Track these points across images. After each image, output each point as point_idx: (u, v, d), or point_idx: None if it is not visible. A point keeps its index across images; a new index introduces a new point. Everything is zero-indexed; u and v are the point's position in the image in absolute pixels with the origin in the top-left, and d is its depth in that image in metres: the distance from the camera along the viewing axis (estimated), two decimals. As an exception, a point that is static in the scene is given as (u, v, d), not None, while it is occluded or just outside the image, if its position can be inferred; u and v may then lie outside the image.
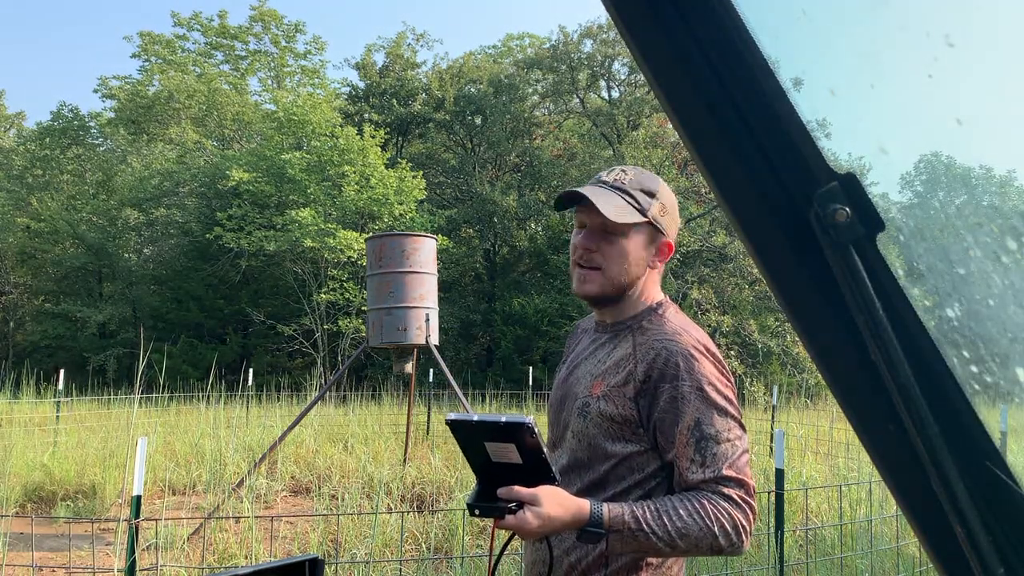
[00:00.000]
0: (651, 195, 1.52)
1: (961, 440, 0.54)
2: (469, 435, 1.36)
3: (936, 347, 0.55)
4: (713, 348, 1.47)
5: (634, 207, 1.49)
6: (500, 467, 1.36)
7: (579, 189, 1.49)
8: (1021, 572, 0.53)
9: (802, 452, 8.59)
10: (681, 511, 1.32)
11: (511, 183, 23.16)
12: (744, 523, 1.32)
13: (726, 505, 1.32)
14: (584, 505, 1.34)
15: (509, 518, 1.32)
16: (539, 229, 23.58)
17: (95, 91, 29.63)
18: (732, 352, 17.57)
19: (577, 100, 24.78)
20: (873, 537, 4.89)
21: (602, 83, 24.59)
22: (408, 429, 8.51)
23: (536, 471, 1.34)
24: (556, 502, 1.32)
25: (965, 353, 0.57)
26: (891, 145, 0.59)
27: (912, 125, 0.62)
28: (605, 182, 1.52)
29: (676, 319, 1.52)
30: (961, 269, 0.61)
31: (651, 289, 1.58)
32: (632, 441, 1.44)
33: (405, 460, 8.20)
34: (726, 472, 1.34)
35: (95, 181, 25.40)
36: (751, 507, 1.35)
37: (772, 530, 4.05)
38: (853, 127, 0.62)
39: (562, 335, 18.59)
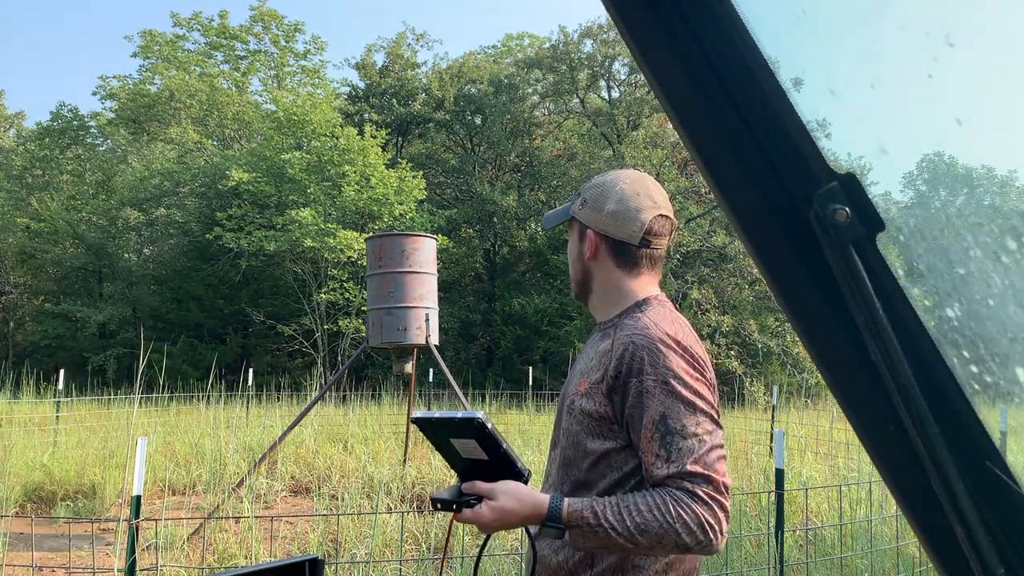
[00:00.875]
0: (579, 195, 1.61)
1: (961, 440, 0.54)
2: (435, 433, 1.39)
3: (936, 347, 0.55)
4: (687, 341, 1.43)
5: (563, 211, 1.63)
6: (471, 463, 1.39)
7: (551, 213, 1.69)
8: (1021, 572, 0.53)
9: (802, 452, 8.59)
10: (642, 507, 1.29)
11: (511, 183, 23.17)
12: (710, 520, 1.28)
13: (689, 502, 1.28)
14: (543, 500, 1.34)
15: (466, 512, 1.34)
16: (539, 229, 23.56)
17: (94, 93, 29.72)
18: (732, 352, 17.57)
19: (577, 100, 24.78)
20: (873, 537, 4.89)
21: (602, 83, 24.59)
22: (408, 429, 8.50)
23: (501, 466, 1.36)
24: (513, 496, 1.34)
25: (965, 353, 0.57)
26: (891, 145, 0.59)
27: (912, 125, 0.62)
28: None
29: (653, 314, 1.48)
30: (961, 269, 0.61)
31: (635, 286, 1.56)
32: (609, 438, 1.43)
33: (405, 460, 8.20)
34: (690, 467, 1.30)
35: (95, 181, 25.41)
36: (720, 504, 1.30)
37: (772, 530, 4.05)
38: (853, 127, 0.61)
39: (562, 335, 18.60)
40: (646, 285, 1.57)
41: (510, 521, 1.34)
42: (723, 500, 1.30)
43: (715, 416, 1.39)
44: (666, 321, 1.47)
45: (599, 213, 1.55)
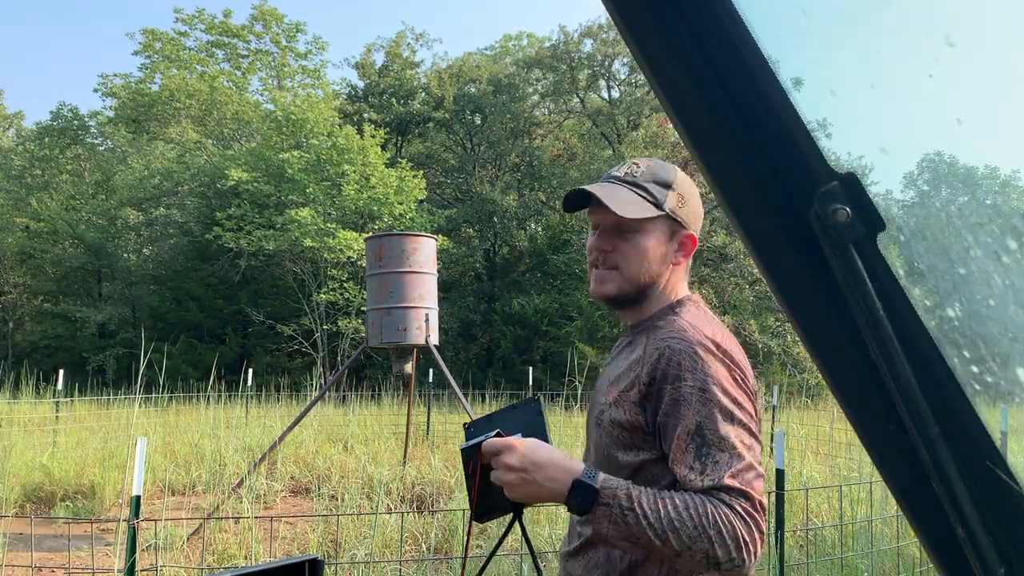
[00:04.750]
0: (667, 186, 1.41)
1: (961, 440, 0.54)
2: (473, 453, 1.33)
3: (936, 347, 0.55)
4: (727, 345, 1.32)
5: (648, 200, 1.39)
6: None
7: (588, 187, 1.38)
8: (1021, 572, 0.53)
9: (802, 452, 8.59)
10: (679, 504, 1.18)
11: (511, 183, 23.17)
12: (747, 538, 1.17)
13: (728, 513, 1.17)
14: (577, 463, 1.26)
15: (496, 440, 1.28)
16: (539, 229, 23.59)
17: (95, 90, 29.71)
18: (732, 352, 17.54)
19: (577, 100, 24.79)
20: (873, 537, 4.89)
21: (602, 83, 24.61)
22: (408, 429, 8.51)
23: None
24: (548, 449, 1.27)
25: (965, 353, 0.57)
26: (891, 145, 0.59)
27: (912, 125, 0.62)
28: (616, 177, 1.42)
29: (690, 316, 1.37)
30: (962, 269, 0.61)
31: (675, 287, 1.47)
32: (643, 449, 1.33)
33: (405, 460, 8.20)
34: (727, 481, 1.19)
35: (94, 181, 25.41)
36: (757, 524, 1.18)
37: (772, 530, 4.05)
38: (853, 127, 0.62)
39: (562, 335, 18.60)
40: (680, 284, 1.49)
41: (547, 460, 1.25)
42: (760, 520, 1.19)
43: (754, 429, 1.28)
44: (706, 323, 1.36)
45: (695, 215, 1.45)
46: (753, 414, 1.29)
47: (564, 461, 1.26)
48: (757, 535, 1.19)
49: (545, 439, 1.31)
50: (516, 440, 1.28)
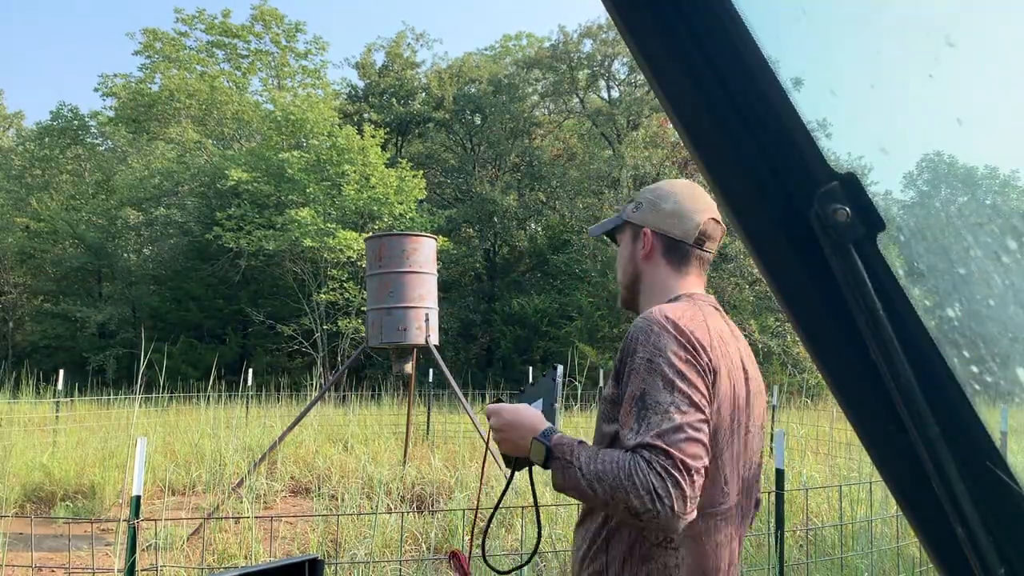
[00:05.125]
0: (631, 201, 1.69)
1: (961, 440, 0.54)
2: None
3: (936, 347, 0.55)
4: (688, 325, 1.42)
5: (613, 219, 1.70)
6: None
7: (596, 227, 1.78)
8: (1021, 572, 0.53)
9: (802, 452, 8.59)
10: (607, 459, 1.33)
11: (511, 183, 23.17)
12: (659, 491, 1.27)
13: (645, 467, 1.29)
14: (543, 422, 1.48)
15: (491, 405, 1.59)
16: (539, 229, 23.60)
17: (95, 90, 29.69)
18: (732, 352, 17.53)
19: (577, 100, 24.79)
20: (873, 537, 4.89)
21: (602, 83, 24.60)
22: (408, 429, 8.51)
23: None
24: (525, 409, 1.52)
25: (965, 353, 0.57)
26: (891, 145, 0.59)
27: (912, 125, 0.62)
28: (617, 210, 1.77)
29: (672, 304, 1.50)
30: (961, 269, 0.61)
31: (666, 283, 1.60)
32: (617, 420, 1.45)
33: (405, 460, 8.20)
34: (651, 440, 1.30)
35: (94, 181, 25.42)
36: (675, 481, 1.28)
37: (772, 530, 4.05)
38: (853, 127, 0.62)
39: (562, 335, 18.60)
40: (690, 286, 1.60)
41: (517, 422, 1.49)
42: (679, 478, 1.28)
43: (696, 400, 1.36)
44: (679, 308, 1.47)
45: (657, 213, 1.62)
46: (699, 388, 1.37)
47: (532, 423, 1.48)
48: (673, 490, 1.27)
49: (551, 403, 1.53)
50: (500, 406, 1.54)
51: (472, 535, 1.77)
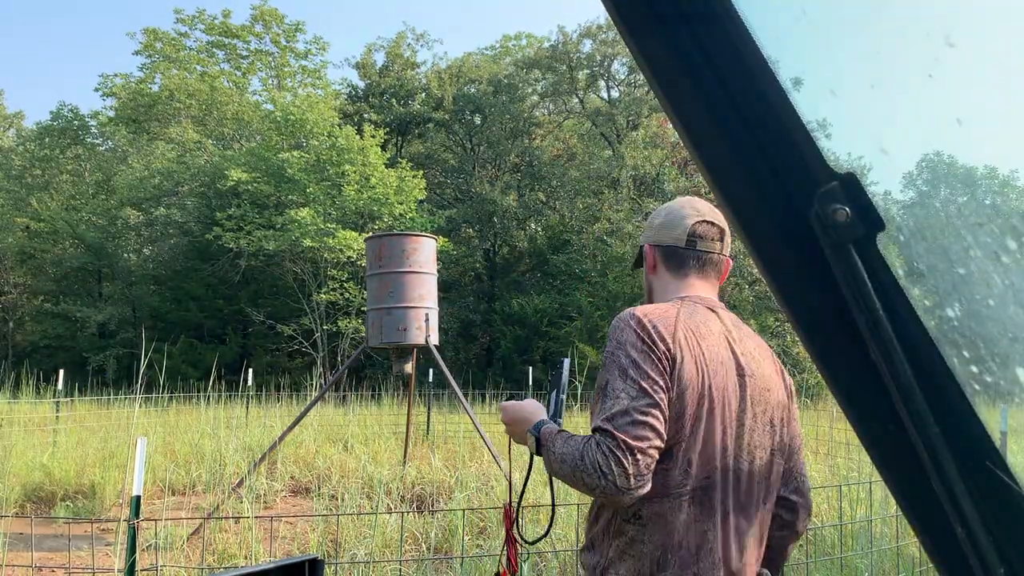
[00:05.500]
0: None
1: (961, 440, 0.54)
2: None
3: (936, 347, 0.55)
4: (652, 320, 1.53)
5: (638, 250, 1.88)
6: None
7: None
8: (1021, 572, 0.53)
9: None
10: (571, 442, 1.50)
11: (511, 183, 23.16)
12: (604, 468, 1.41)
13: (593, 448, 1.43)
14: (541, 416, 1.66)
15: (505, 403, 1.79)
16: (539, 229, 23.60)
17: (95, 90, 29.69)
18: (732, 352, 17.53)
19: (577, 100, 24.78)
20: (873, 537, 4.89)
21: (602, 83, 24.60)
22: (408, 429, 8.51)
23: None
24: (528, 404, 1.71)
25: (965, 353, 0.57)
26: (891, 145, 0.59)
27: (912, 125, 0.62)
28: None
29: (654, 304, 1.64)
30: (961, 269, 0.61)
31: (665, 290, 1.72)
32: None
33: (405, 460, 8.20)
34: (600, 424, 1.45)
35: (95, 181, 25.42)
36: (616, 458, 1.41)
37: (772, 530, 4.05)
38: (853, 127, 0.62)
39: (562, 335, 18.60)
40: (691, 289, 1.69)
41: (520, 417, 1.69)
42: (620, 456, 1.41)
43: (646, 387, 1.46)
44: (653, 306, 1.60)
45: (652, 229, 1.78)
46: (651, 375, 1.47)
47: (529, 416, 1.67)
48: (615, 467, 1.41)
49: (558, 393, 1.71)
50: (507, 403, 1.75)
51: (509, 502, 1.94)
